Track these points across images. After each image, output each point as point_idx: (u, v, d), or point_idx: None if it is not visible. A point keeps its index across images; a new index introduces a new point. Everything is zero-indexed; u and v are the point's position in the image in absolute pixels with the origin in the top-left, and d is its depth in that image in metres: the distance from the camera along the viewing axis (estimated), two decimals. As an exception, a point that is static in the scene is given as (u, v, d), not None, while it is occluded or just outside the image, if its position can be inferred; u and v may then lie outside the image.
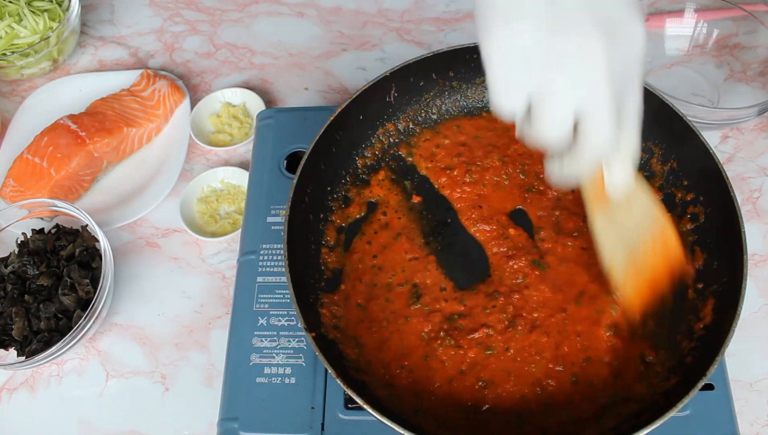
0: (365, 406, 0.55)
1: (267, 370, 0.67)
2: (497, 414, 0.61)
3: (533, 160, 0.74)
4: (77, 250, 0.77)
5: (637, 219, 0.58)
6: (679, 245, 0.61)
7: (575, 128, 0.47)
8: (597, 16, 0.43)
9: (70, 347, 0.72)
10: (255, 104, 0.93)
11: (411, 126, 0.77)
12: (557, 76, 0.44)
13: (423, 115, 0.77)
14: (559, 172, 0.51)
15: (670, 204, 0.70)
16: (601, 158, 0.50)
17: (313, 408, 0.65)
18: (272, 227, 0.75)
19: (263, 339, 0.69)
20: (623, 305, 0.63)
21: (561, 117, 0.45)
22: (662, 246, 0.60)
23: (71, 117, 0.87)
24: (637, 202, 0.58)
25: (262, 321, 0.70)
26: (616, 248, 0.59)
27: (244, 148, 0.90)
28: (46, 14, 0.97)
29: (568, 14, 0.43)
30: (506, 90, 0.46)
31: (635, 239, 0.59)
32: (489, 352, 0.63)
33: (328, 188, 0.73)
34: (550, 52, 0.43)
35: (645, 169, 0.73)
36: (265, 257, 0.74)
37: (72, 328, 0.71)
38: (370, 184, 0.75)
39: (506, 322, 0.64)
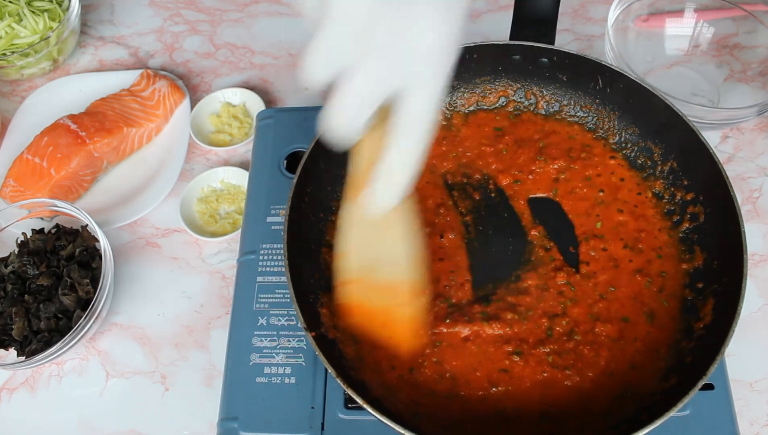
0: (365, 406, 0.55)
1: (267, 370, 0.67)
2: (499, 414, 0.61)
3: (521, 158, 0.75)
4: (77, 250, 0.77)
5: (389, 248, 0.53)
6: (412, 326, 0.57)
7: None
8: None
9: (70, 347, 0.72)
10: (255, 104, 0.93)
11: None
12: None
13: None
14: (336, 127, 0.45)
15: (670, 204, 0.70)
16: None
17: (313, 408, 0.65)
18: (272, 227, 0.75)
19: (263, 339, 0.69)
20: (338, 299, 0.59)
21: (324, 63, 0.41)
22: (401, 299, 0.56)
23: (71, 117, 0.87)
24: (393, 231, 0.52)
25: (262, 321, 0.70)
26: (357, 245, 0.54)
27: (244, 148, 0.90)
28: (46, 14, 0.97)
29: None
30: (322, 59, 0.42)
31: (379, 261, 0.54)
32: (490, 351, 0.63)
33: (328, 188, 0.73)
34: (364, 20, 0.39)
35: (645, 169, 0.73)
36: (265, 257, 0.74)
37: (72, 328, 0.71)
38: None
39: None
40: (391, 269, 0.55)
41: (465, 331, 0.64)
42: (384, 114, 0.45)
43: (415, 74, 0.41)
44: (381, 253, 0.54)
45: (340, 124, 0.43)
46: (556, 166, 0.73)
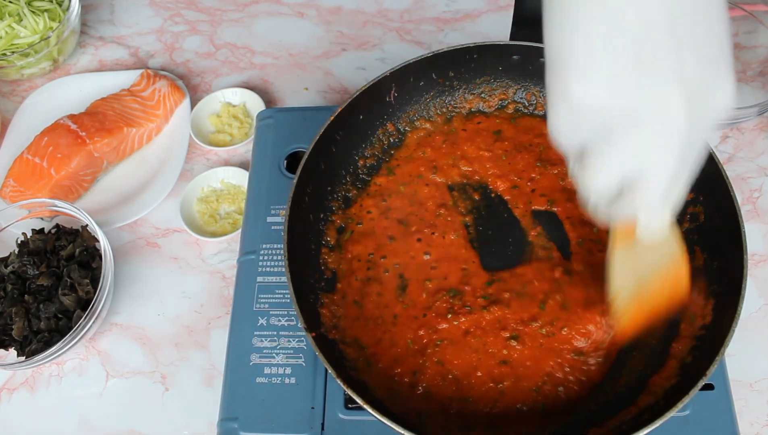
0: (365, 406, 0.55)
1: (267, 370, 0.67)
2: (503, 413, 0.61)
3: (520, 164, 0.75)
4: (77, 250, 0.77)
5: (657, 260, 0.56)
6: (688, 285, 0.58)
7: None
8: (685, 78, 0.38)
9: (70, 347, 0.72)
10: (255, 104, 0.93)
11: (411, 126, 0.77)
12: (625, 134, 0.40)
13: (423, 115, 0.77)
14: (594, 209, 0.48)
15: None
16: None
17: (313, 408, 0.65)
18: (272, 227, 0.75)
19: (263, 339, 0.69)
20: (615, 330, 0.61)
21: (615, 173, 0.43)
22: (672, 285, 0.58)
23: (71, 117, 0.87)
24: (663, 246, 0.55)
25: (262, 321, 0.70)
26: (626, 283, 0.58)
27: (244, 148, 0.90)
28: (46, 14, 0.97)
29: (653, 75, 0.38)
30: (565, 131, 0.43)
31: (648, 277, 0.57)
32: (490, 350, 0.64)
33: (328, 188, 0.73)
34: (624, 109, 0.40)
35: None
36: (265, 257, 0.74)
37: (72, 328, 0.71)
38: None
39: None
40: (662, 277, 0.57)
41: (463, 319, 0.65)
42: None
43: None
44: (649, 275, 0.57)
45: (653, 228, 0.46)
46: (555, 172, 0.73)
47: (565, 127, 0.43)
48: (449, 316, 0.65)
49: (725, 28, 0.40)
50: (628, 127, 0.40)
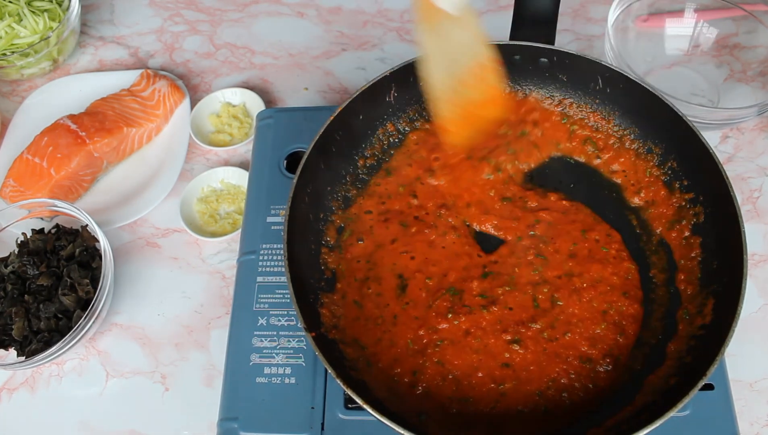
0: (365, 406, 0.55)
1: (267, 370, 0.67)
2: (504, 414, 0.61)
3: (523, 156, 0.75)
4: (77, 250, 0.77)
5: (463, 44, 0.61)
6: (498, 82, 0.63)
7: None
8: None
9: (70, 347, 0.72)
10: (255, 104, 0.93)
11: (411, 126, 0.77)
12: None
13: (423, 115, 0.77)
14: None
15: (670, 204, 0.70)
16: None
17: (313, 408, 0.65)
18: (272, 227, 0.75)
19: (263, 339, 0.69)
20: (440, 129, 0.65)
21: None
22: (481, 75, 0.62)
23: (71, 117, 0.87)
24: (466, 26, 0.60)
25: (262, 321, 0.70)
26: (439, 64, 0.61)
27: (244, 148, 0.90)
28: (46, 14, 0.97)
29: None
30: None
31: (458, 62, 0.61)
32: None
33: (328, 188, 0.73)
34: None
35: (648, 165, 0.73)
36: (265, 257, 0.74)
37: (72, 328, 0.71)
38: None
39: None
40: (466, 58, 0.61)
41: (464, 319, 0.65)
42: None
43: None
44: (454, 53, 0.61)
45: None
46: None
47: None
48: (449, 315, 0.65)
49: None
50: None
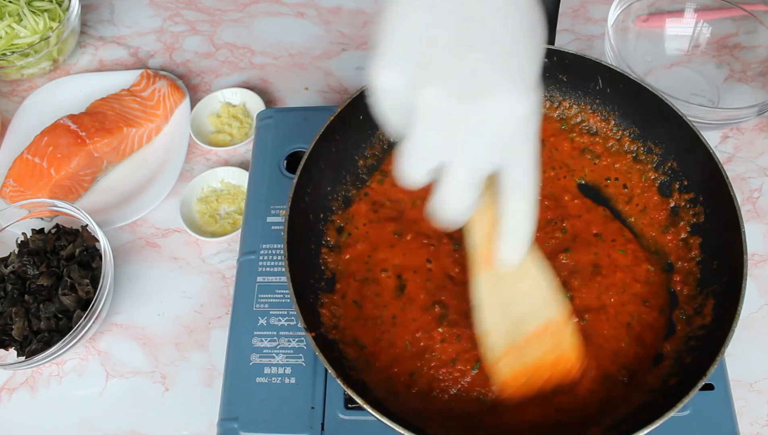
0: (365, 406, 0.55)
1: (267, 370, 0.67)
2: (501, 414, 0.61)
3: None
4: (77, 250, 0.77)
5: (527, 296, 0.55)
6: (574, 349, 0.58)
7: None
8: (458, 82, 0.41)
9: (70, 347, 0.72)
10: (255, 104, 0.93)
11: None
12: (418, 123, 0.42)
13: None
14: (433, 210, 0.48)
15: (663, 208, 0.70)
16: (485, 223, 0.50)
17: (313, 408, 0.65)
18: (272, 227, 0.75)
19: (263, 339, 0.69)
20: (495, 380, 0.59)
21: (419, 157, 0.44)
22: (552, 337, 0.56)
23: (71, 117, 0.87)
24: (528, 278, 0.54)
25: (262, 321, 0.70)
26: (496, 315, 0.55)
27: (244, 148, 0.90)
28: (46, 14, 0.97)
29: (429, 70, 0.41)
30: (386, 119, 0.46)
31: (521, 317, 0.55)
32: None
33: (328, 188, 0.73)
34: (413, 100, 0.42)
35: (645, 168, 0.73)
36: (265, 257, 0.74)
37: (72, 328, 0.71)
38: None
39: None
40: (533, 317, 0.56)
41: (455, 331, 0.64)
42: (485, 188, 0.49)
43: (510, 149, 0.43)
44: (519, 309, 0.55)
45: (453, 210, 0.46)
46: (553, 173, 0.73)
47: (385, 115, 0.45)
48: (442, 322, 0.65)
49: (521, 43, 0.41)
50: (419, 119, 0.42)
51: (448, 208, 0.45)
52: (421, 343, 0.64)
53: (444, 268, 0.68)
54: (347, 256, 0.70)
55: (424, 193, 0.73)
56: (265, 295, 0.71)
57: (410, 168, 0.44)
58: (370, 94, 0.44)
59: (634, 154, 0.73)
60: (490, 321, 0.56)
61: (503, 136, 0.42)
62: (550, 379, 0.59)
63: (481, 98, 0.40)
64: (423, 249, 0.69)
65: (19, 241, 0.79)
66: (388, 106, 0.44)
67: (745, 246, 0.59)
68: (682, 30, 0.90)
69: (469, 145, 0.42)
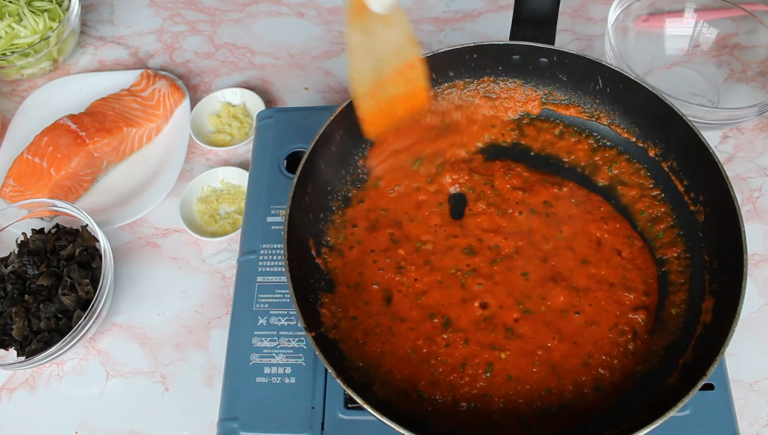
0: (365, 406, 0.55)
1: (267, 370, 0.67)
2: (504, 413, 0.61)
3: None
4: (77, 250, 0.77)
5: (391, 41, 0.62)
6: (424, 80, 0.65)
7: None
8: None
9: (70, 347, 0.72)
10: (255, 104, 0.93)
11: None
12: None
13: (423, 115, 0.77)
14: None
15: (670, 204, 0.70)
16: None
17: (313, 408, 0.65)
18: (272, 227, 0.75)
19: (263, 339, 0.69)
20: (360, 119, 0.67)
21: None
22: (408, 75, 0.64)
23: (71, 117, 0.87)
24: (395, 26, 0.61)
25: (262, 321, 0.70)
26: (365, 60, 0.63)
27: (244, 148, 0.90)
28: (46, 14, 0.97)
29: None
30: None
31: (385, 59, 0.63)
32: (494, 349, 0.63)
33: (328, 188, 0.73)
34: None
35: (645, 168, 0.73)
36: (265, 257, 0.74)
37: (72, 328, 0.71)
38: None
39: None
40: (396, 58, 0.63)
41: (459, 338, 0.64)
42: None
43: None
44: (384, 53, 0.63)
45: None
46: (551, 180, 0.73)
47: None
48: (445, 335, 0.65)
49: None
50: None
51: None
52: (424, 350, 0.64)
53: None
54: (344, 259, 0.70)
55: (421, 207, 0.73)
56: (265, 295, 0.71)
57: None
58: None
59: (631, 154, 0.73)
60: (358, 64, 0.64)
61: None
62: (406, 109, 0.67)
63: None
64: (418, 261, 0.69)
65: (19, 241, 0.79)
66: None
67: (745, 246, 0.59)
68: (682, 30, 0.90)
69: None
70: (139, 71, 0.94)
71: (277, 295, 0.71)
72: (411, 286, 0.67)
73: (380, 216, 0.72)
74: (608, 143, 0.75)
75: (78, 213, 0.77)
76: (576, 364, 0.62)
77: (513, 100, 0.77)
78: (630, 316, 0.64)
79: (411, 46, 0.64)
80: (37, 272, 0.76)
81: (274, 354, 0.68)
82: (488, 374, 0.62)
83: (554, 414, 0.61)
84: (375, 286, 0.68)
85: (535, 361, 0.63)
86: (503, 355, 0.63)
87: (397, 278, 0.68)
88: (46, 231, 0.80)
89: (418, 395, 0.62)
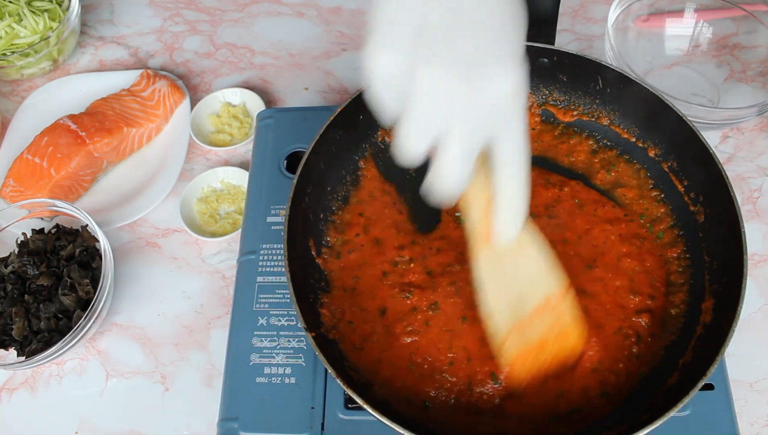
0: (365, 406, 0.55)
1: (267, 370, 0.67)
2: (505, 412, 0.61)
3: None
4: (77, 250, 0.77)
5: (526, 272, 0.55)
6: (575, 321, 0.58)
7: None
8: (459, 55, 0.43)
9: (70, 347, 0.72)
10: (255, 104, 0.93)
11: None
12: (415, 102, 0.44)
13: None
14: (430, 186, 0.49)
15: (670, 204, 0.70)
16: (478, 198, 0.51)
17: (313, 408, 0.65)
18: (272, 227, 0.75)
19: (263, 339, 0.69)
20: (501, 363, 0.59)
21: (416, 134, 0.45)
22: (553, 312, 0.56)
23: (71, 117, 0.87)
24: (526, 256, 0.55)
25: (262, 321, 0.70)
26: (498, 294, 0.55)
27: (244, 148, 0.90)
28: (46, 14, 0.97)
29: (426, 52, 0.43)
30: (382, 103, 0.47)
31: (522, 294, 0.55)
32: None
33: (328, 188, 0.73)
34: (410, 82, 0.44)
35: (645, 168, 0.73)
36: (265, 257, 0.74)
37: (72, 328, 0.71)
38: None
39: None
40: (534, 293, 0.56)
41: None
42: (479, 165, 0.50)
43: (501, 123, 0.46)
44: (520, 286, 0.56)
45: (450, 181, 0.47)
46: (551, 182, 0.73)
47: (381, 98, 0.47)
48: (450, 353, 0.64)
49: (505, 25, 0.45)
50: (416, 96, 0.44)
51: (444, 180, 0.47)
52: (425, 366, 0.63)
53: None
54: (342, 263, 0.69)
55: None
56: (265, 295, 0.71)
57: (408, 143, 0.46)
58: (366, 78, 0.46)
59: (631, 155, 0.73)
60: (493, 301, 0.56)
61: (493, 110, 0.45)
62: (556, 355, 0.59)
63: (472, 76, 0.43)
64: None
65: (19, 241, 0.79)
66: (384, 89, 0.46)
67: (745, 246, 0.59)
68: (682, 30, 0.90)
69: (463, 118, 0.44)
70: (139, 71, 0.94)
71: (277, 295, 0.71)
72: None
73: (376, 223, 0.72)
74: (608, 144, 0.75)
75: (78, 213, 0.77)
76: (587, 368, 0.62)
77: None
78: (633, 319, 0.64)
79: (548, 278, 0.56)
80: (37, 272, 0.76)
81: (274, 354, 0.68)
82: (498, 384, 0.61)
83: (562, 418, 0.61)
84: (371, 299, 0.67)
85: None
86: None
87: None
88: (46, 231, 0.80)
89: (424, 405, 0.61)
